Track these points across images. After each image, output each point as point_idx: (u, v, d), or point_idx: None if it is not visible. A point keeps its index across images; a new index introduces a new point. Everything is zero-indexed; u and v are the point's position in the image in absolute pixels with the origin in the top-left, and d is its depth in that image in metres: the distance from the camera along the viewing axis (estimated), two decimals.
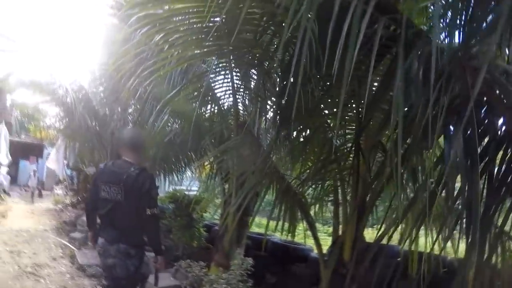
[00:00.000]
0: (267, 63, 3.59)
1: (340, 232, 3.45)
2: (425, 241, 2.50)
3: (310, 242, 5.02)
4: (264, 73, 3.60)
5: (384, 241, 2.95)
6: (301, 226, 3.96)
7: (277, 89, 3.41)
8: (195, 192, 6.99)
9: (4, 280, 5.05)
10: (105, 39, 6.69)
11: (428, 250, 2.32)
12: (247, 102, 4.82)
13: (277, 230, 3.79)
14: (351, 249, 3.24)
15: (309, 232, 3.70)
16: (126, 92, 4.48)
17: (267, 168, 3.27)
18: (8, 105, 17.79)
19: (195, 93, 4.39)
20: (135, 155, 3.02)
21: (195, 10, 2.98)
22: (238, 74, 4.21)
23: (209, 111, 4.84)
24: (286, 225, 3.62)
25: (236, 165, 3.76)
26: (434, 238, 2.15)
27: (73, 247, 7.31)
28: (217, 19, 3.08)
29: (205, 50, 3.58)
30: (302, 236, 4.92)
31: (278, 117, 3.31)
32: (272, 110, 3.88)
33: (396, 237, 3.24)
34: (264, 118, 4.31)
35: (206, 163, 5.35)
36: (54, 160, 14.99)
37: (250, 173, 3.28)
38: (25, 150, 18.73)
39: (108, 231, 2.93)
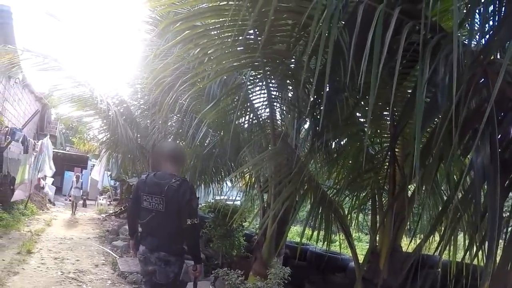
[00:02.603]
0: (301, 73, 3.63)
1: (376, 242, 3.41)
2: (464, 250, 2.42)
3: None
4: (298, 83, 3.63)
5: (423, 251, 2.91)
6: (342, 235, 3.93)
7: (312, 98, 3.43)
8: (234, 202, 7.07)
9: (48, 285, 5.27)
10: (143, 54, 6.94)
11: (468, 260, 2.27)
12: (283, 112, 4.86)
13: (319, 240, 3.77)
14: (388, 259, 3.21)
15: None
16: (166, 104, 4.61)
17: (303, 177, 3.29)
18: (53, 119, 18.67)
19: (233, 105, 4.48)
20: (176, 167, 3.13)
21: (228, 24, 3.03)
22: (274, 84, 4.26)
23: (247, 121, 4.91)
24: (324, 234, 3.62)
25: (274, 175, 3.80)
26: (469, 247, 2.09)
27: (115, 255, 7.54)
28: (251, 31, 3.17)
29: (240, 62, 3.64)
30: (343, 246, 4.89)
31: (314, 127, 3.32)
32: (308, 119, 3.89)
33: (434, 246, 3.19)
34: (300, 127, 4.32)
35: (245, 173, 5.41)
36: (97, 171, 15.61)
37: (286, 182, 3.31)
38: (70, 162, 19.53)
39: (149, 239, 3.04)
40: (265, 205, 4.92)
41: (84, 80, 8.15)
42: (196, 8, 3.18)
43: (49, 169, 12.70)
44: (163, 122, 8.10)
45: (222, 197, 7.88)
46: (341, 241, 4.62)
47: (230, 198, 7.35)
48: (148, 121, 9.02)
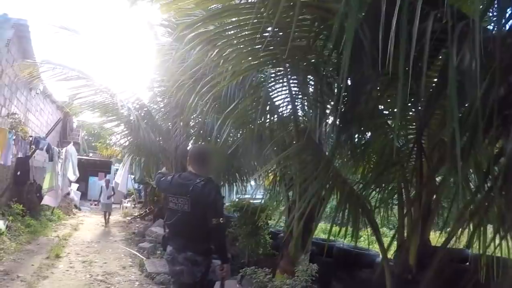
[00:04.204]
0: (323, 67, 3.58)
1: (405, 236, 3.34)
2: (493, 244, 2.33)
3: (377, 247, 4.90)
4: (320, 78, 3.59)
5: (452, 245, 2.83)
6: (368, 231, 3.87)
7: (335, 92, 3.38)
8: (259, 200, 7.05)
9: (77, 287, 5.37)
10: (161, 58, 7.00)
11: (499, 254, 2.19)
12: (306, 108, 4.82)
13: (346, 235, 3.72)
14: (417, 253, 3.15)
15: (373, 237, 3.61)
16: (187, 107, 4.63)
17: (329, 173, 3.24)
18: (75, 127, 19.06)
19: (254, 104, 4.46)
20: (200, 167, 3.12)
21: (246, 22, 3.03)
22: (295, 81, 4.23)
23: (269, 119, 4.86)
24: (351, 230, 3.56)
25: (299, 172, 3.76)
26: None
27: (142, 256, 7.59)
28: (269, 28, 3.12)
29: (259, 60, 3.62)
30: (369, 241, 4.82)
31: (338, 121, 3.27)
32: (331, 114, 3.83)
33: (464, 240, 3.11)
34: (324, 122, 4.27)
35: (270, 171, 5.38)
36: (121, 175, 15.84)
37: (312, 178, 3.27)
38: (93, 167, 19.88)
39: (176, 239, 3.06)
40: (291, 203, 4.87)
41: (105, 87, 8.28)
42: (212, 9, 3.15)
43: (72, 174, 12.92)
44: (185, 124, 8.17)
45: (245, 196, 7.87)
46: (367, 236, 4.54)
47: (254, 196, 7.34)
48: (169, 123, 9.09)
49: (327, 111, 3.85)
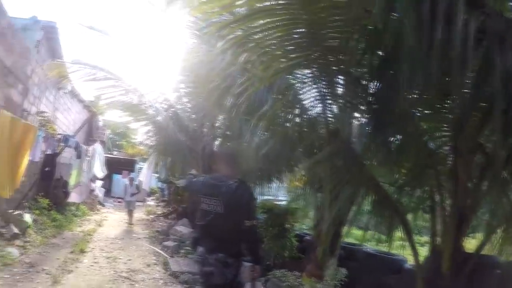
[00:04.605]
0: (356, 68, 3.53)
1: (437, 241, 3.29)
2: None
3: (402, 252, 4.82)
4: (353, 79, 3.54)
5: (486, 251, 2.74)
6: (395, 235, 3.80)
7: (367, 94, 3.32)
8: (282, 202, 7.02)
9: (101, 283, 5.42)
10: (188, 59, 7.05)
11: None
12: (336, 110, 4.76)
13: (373, 240, 3.69)
14: (450, 259, 3.08)
15: (398, 242, 3.55)
16: (215, 107, 4.65)
17: (363, 177, 3.20)
18: (100, 126, 19.44)
19: (283, 105, 4.45)
20: (232, 168, 3.13)
21: (276, 24, 3.01)
22: (326, 82, 4.18)
23: (298, 121, 4.82)
24: (378, 234, 3.51)
25: (330, 175, 3.72)
26: None
27: (166, 255, 7.64)
28: (300, 30, 3.11)
29: (291, 62, 3.58)
30: (396, 246, 4.73)
31: (371, 123, 3.22)
32: (364, 116, 3.78)
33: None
34: (356, 125, 4.22)
35: (298, 173, 5.35)
36: (145, 174, 16.07)
37: (344, 182, 3.23)
38: (117, 165, 20.22)
39: (207, 241, 3.04)
40: (320, 205, 4.82)
41: (133, 88, 8.39)
42: (240, 11, 3.17)
43: (100, 171, 13.15)
44: (212, 124, 8.19)
45: (270, 197, 7.84)
46: (396, 241, 4.47)
47: (279, 198, 7.31)
48: (195, 124, 9.13)
49: (360, 113, 3.80)
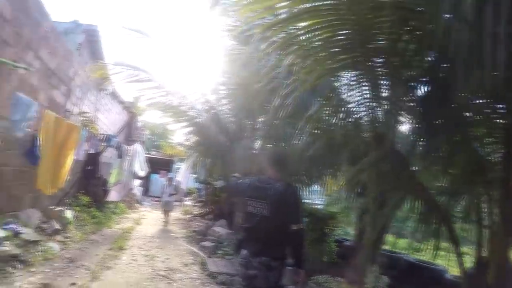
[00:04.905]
0: (405, 70, 3.38)
1: (483, 252, 3.16)
2: None
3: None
4: (401, 82, 3.41)
5: None
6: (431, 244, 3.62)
7: (416, 97, 3.16)
8: (319, 206, 6.88)
9: (140, 281, 5.45)
10: (228, 62, 7.04)
11: None
12: (382, 113, 4.61)
13: (409, 248, 3.53)
14: (496, 271, 2.94)
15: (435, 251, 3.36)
16: (257, 109, 4.60)
17: (411, 183, 3.04)
18: (139, 126, 19.92)
19: (328, 108, 4.38)
20: (278, 171, 3.06)
21: (322, 25, 2.95)
22: (373, 85, 4.07)
23: (343, 125, 4.69)
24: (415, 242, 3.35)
25: (375, 181, 3.59)
26: None
27: (203, 255, 7.65)
28: (345, 31, 3.03)
29: (337, 64, 3.50)
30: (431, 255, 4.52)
31: (419, 128, 3.07)
32: (411, 120, 3.62)
33: None
34: (403, 129, 4.07)
35: (339, 177, 5.21)
36: (182, 174, 16.27)
37: (392, 189, 3.09)
38: (155, 165, 20.63)
39: (252, 243, 3.00)
40: (362, 211, 4.65)
41: (174, 89, 8.48)
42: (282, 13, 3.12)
43: (140, 170, 13.41)
44: (253, 127, 8.15)
45: (307, 201, 7.69)
46: (433, 250, 4.28)
47: (316, 202, 7.16)
48: (235, 126, 9.12)
49: (407, 118, 3.65)
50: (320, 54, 3.32)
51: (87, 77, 9.07)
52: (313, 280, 4.97)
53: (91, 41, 9.30)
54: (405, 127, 4.12)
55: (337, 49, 3.24)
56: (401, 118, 3.80)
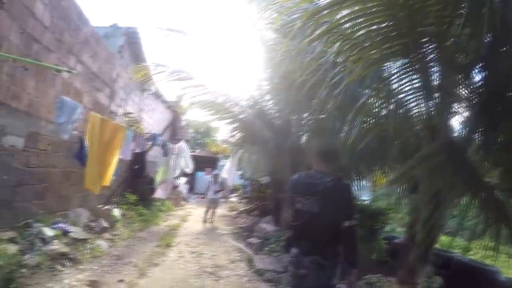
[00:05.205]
0: (460, 57, 3.12)
1: None
2: None
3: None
4: (455, 69, 3.16)
5: None
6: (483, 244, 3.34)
7: (472, 85, 2.89)
8: (365, 202, 6.63)
9: (187, 277, 5.45)
10: (268, 54, 6.91)
11: None
12: (435, 104, 4.34)
13: (458, 247, 3.26)
14: None
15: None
16: (303, 103, 4.47)
17: (470, 179, 2.78)
18: (183, 125, 20.28)
19: (377, 99, 4.20)
20: (328, 165, 2.91)
21: (367, 12, 2.81)
22: (423, 73, 3.82)
23: (393, 117, 4.48)
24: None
25: (430, 176, 3.35)
26: None
27: (250, 252, 7.58)
28: (392, 17, 2.86)
29: (384, 52, 3.31)
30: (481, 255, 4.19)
31: (475, 118, 2.80)
32: (467, 110, 3.35)
33: None
34: (458, 120, 3.80)
35: (389, 172, 4.97)
36: (227, 171, 16.35)
37: (449, 184, 2.84)
38: (200, 163, 20.93)
39: (302, 242, 2.87)
40: (415, 208, 4.38)
41: (215, 87, 8.46)
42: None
43: (186, 168, 13.59)
44: (299, 121, 7.98)
45: (357, 196, 7.42)
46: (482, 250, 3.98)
47: (362, 197, 6.89)
48: (280, 121, 8.99)
49: (462, 107, 3.38)
50: (366, 43, 3.16)
51: (129, 78, 9.27)
52: (365, 280, 4.72)
53: (131, 43, 9.48)
54: (460, 118, 3.80)
55: (383, 36, 3.08)
56: (456, 108, 3.56)
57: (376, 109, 4.35)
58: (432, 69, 3.67)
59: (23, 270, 4.01)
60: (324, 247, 2.74)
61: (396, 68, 4.01)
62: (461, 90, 3.41)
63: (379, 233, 6.30)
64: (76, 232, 5.56)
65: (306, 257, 2.76)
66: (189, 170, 13.80)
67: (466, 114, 3.59)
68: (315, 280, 2.71)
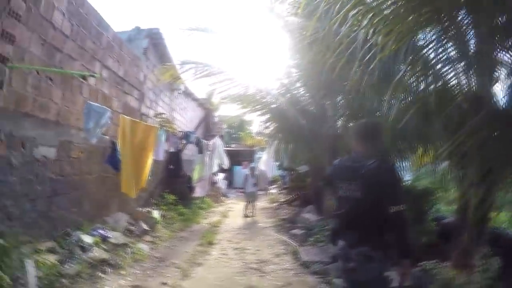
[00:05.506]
0: (499, 14, 2.82)
1: None
2: None
3: None
4: (497, 29, 2.89)
5: None
6: None
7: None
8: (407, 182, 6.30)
9: (231, 275, 5.33)
10: (294, 40, 6.68)
11: None
12: (474, 72, 4.01)
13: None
14: None
15: None
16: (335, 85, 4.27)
17: None
18: (216, 121, 20.36)
19: (414, 73, 3.97)
20: (369, 147, 2.67)
21: None
22: (461, 39, 3.56)
23: (432, 90, 4.14)
24: None
25: (478, 150, 3.08)
26: None
27: (294, 244, 7.40)
28: None
29: (418, 19, 3.11)
30: None
31: None
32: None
33: None
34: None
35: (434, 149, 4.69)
36: (265, 163, 16.24)
37: (500, 157, 2.55)
38: (236, 157, 20.97)
39: (347, 232, 2.63)
40: (465, 184, 4.05)
41: (244, 79, 8.29)
42: None
43: (222, 163, 13.57)
44: (333, 104, 7.74)
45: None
46: None
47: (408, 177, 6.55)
48: (312, 107, 8.73)
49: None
50: (397, 12, 2.98)
51: (157, 79, 9.26)
52: (420, 267, 4.39)
53: (155, 44, 9.47)
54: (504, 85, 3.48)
55: (414, 4, 2.89)
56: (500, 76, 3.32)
57: (414, 84, 4.13)
58: (468, 34, 3.44)
59: (63, 280, 3.99)
60: (372, 237, 2.50)
61: (430, 38, 3.82)
62: (502, 55, 3.17)
63: (427, 215, 5.94)
64: (115, 237, 5.56)
65: (353, 249, 2.52)
66: (225, 166, 13.76)
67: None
68: (365, 273, 2.48)
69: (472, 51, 3.68)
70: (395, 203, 2.38)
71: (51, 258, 4.16)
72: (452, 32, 3.43)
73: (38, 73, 4.53)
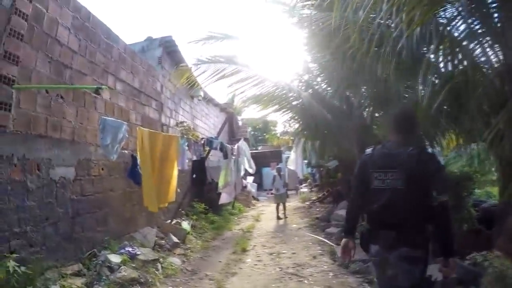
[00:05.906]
0: None
1: None
2: None
3: None
4: None
5: None
6: None
7: None
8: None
9: (268, 283, 5.09)
10: (311, 33, 6.39)
11: None
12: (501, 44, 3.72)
13: None
14: None
15: None
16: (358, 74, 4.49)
17: None
18: (240, 125, 20.23)
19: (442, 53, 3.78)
20: (406, 135, 2.40)
21: None
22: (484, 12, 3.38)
23: (462, 69, 3.85)
24: None
25: None
26: None
27: (331, 243, 7.14)
28: None
29: None
30: None
31: None
32: None
33: None
34: None
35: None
36: (293, 162, 15.96)
37: None
38: (264, 159, 20.76)
39: (384, 233, 2.32)
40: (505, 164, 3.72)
41: (265, 76, 8.02)
42: None
43: (248, 167, 13.37)
44: (358, 95, 7.42)
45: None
46: None
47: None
48: (336, 100, 8.40)
49: None
50: None
51: (175, 86, 9.11)
52: (470, 260, 3.99)
53: (169, 53, 9.35)
54: None
55: None
56: None
57: (442, 64, 3.93)
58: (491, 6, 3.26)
59: None
60: (414, 234, 2.20)
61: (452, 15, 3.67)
62: None
63: (467, 201, 5.57)
64: (144, 253, 5.36)
65: (391, 251, 2.23)
66: (251, 170, 13.53)
67: None
68: (407, 278, 2.19)
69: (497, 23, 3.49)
70: (440, 193, 2.11)
71: (78, 282, 4.02)
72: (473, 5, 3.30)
73: (47, 92, 4.40)
